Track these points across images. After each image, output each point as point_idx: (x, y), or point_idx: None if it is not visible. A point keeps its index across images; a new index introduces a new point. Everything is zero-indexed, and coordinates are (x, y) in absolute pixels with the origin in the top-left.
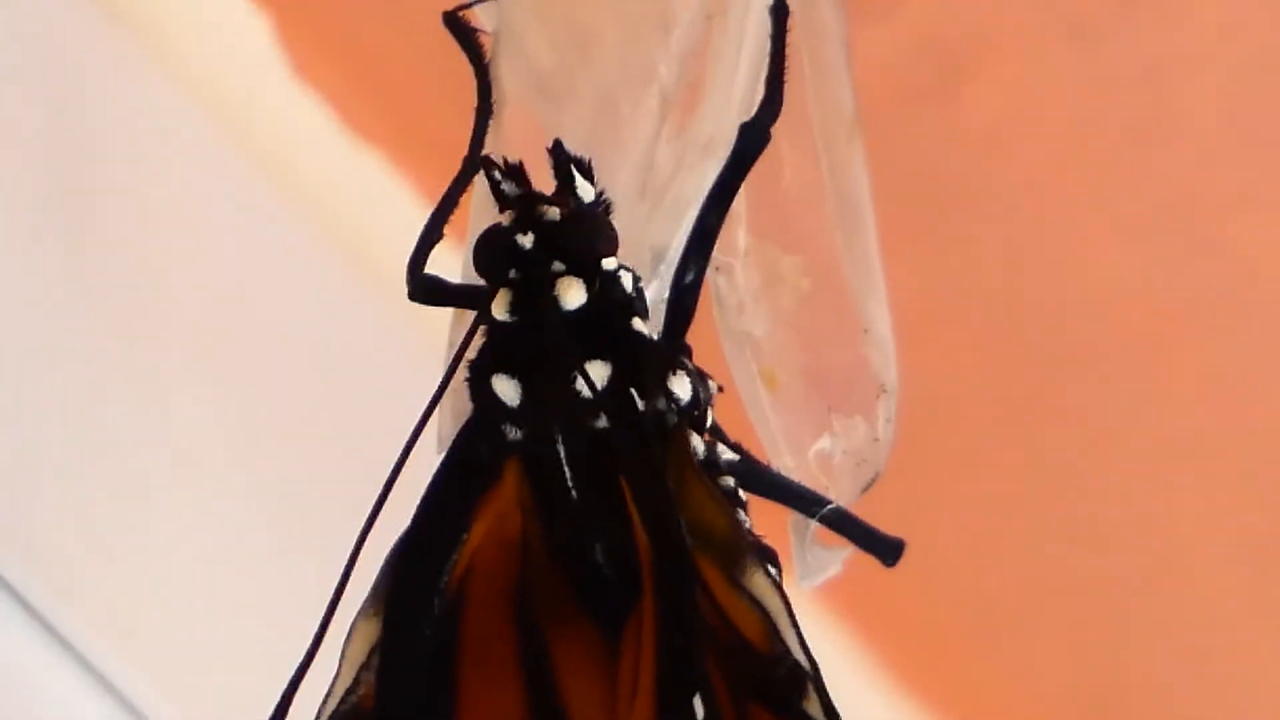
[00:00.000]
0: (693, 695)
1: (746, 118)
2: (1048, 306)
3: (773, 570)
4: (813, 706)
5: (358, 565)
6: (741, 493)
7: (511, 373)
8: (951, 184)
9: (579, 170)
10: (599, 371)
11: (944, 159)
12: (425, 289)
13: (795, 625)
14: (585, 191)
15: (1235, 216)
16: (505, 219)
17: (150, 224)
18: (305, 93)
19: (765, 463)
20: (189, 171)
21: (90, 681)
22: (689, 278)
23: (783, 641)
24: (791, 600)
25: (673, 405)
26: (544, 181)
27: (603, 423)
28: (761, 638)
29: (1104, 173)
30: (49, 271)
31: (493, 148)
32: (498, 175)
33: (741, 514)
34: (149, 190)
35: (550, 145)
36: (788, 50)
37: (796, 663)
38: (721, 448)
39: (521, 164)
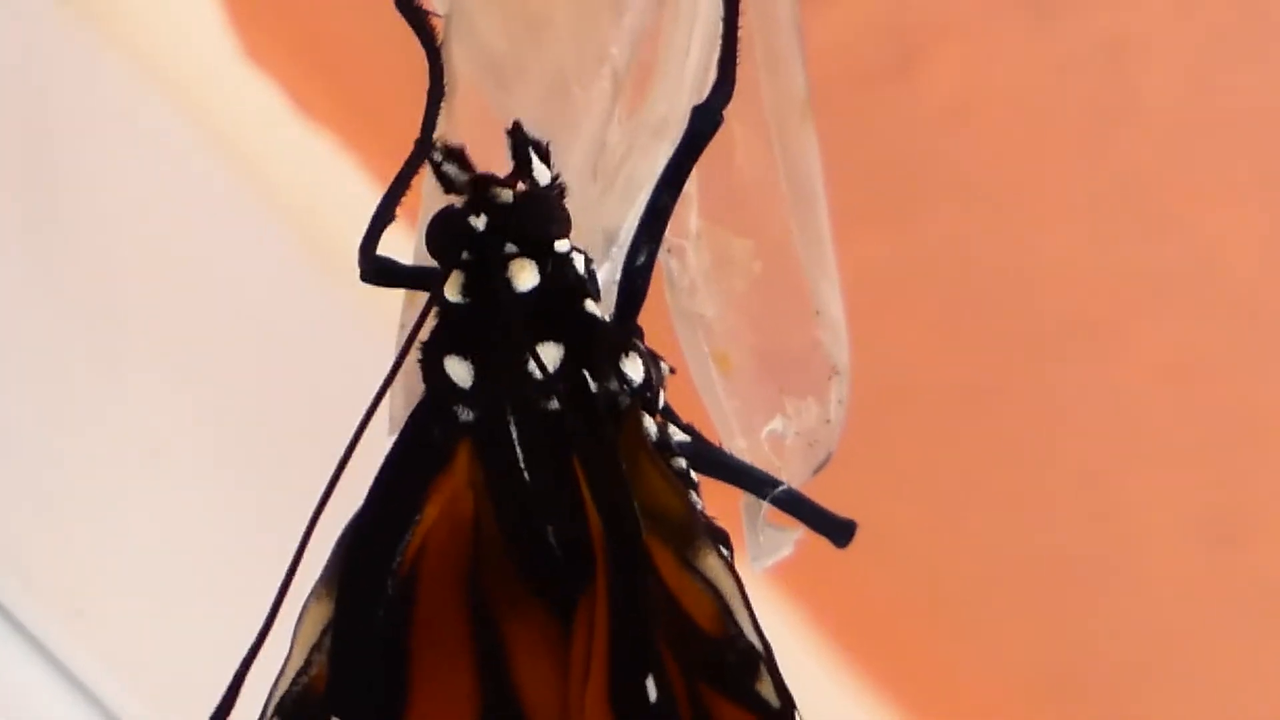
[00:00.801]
0: (646, 676)
1: (699, 100)
2: (1003, 287)
3: (725, 552)
4: (765, 688)
5: (311, 547)
6: (694, 474)
7: (464, 354)
8: (907, 165)
9: (536, 153)
10: (551, 353)
11: (899, 140)
12: (377, 271)
13: (748, 607)
14: (541, 174)
15: (1193, 195)
16: (458, 201)
17: (105, 208)
18: (257, 76)
19: (717, 444)
20: (143, 155)
21: (41, 661)
22: (641, 259)
23: (735, 623)
24: (744, 582)
25: (625, 387)
26: (495, 164)
27: (555, 404)
28: (714, 619)
29: (1061, 153)
30: (5, 255)
31: (445, 130)
32: (439, 158)
33: (694, 495)
34: (103, 173)
35: (509, 127)
36: (740, 32)
37: (749, 644)
38: (673, 429)
39: (463, 148)
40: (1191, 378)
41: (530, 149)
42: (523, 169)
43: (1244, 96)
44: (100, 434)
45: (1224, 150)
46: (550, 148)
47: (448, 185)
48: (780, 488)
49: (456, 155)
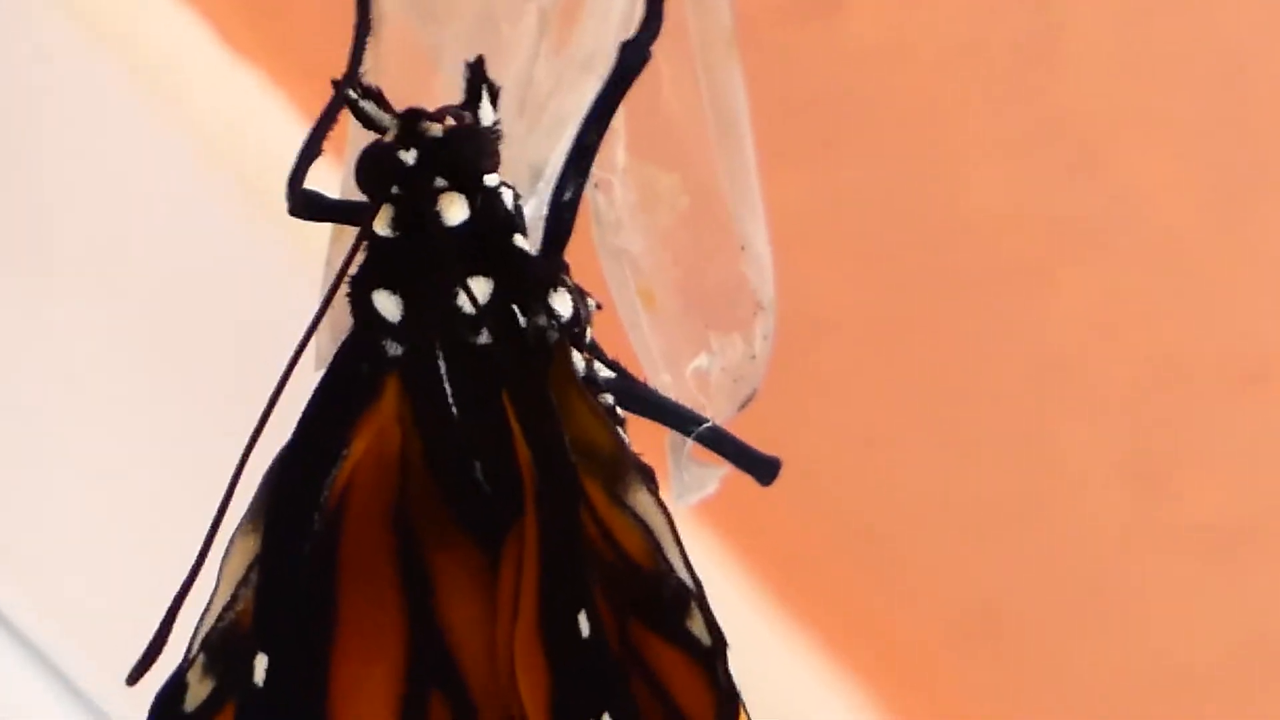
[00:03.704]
0: (578, 612)
1: (626, 36)
2: (929, 224)
3: (654, 488)
4: (696, 625)
5: (241, 484)
6: (620, 411)
7: (393, 288)
8: (833, 101)
9: (489, 94)
10: (481, 287)
11: (826, 77)
12: (305, 204)
13: (679, 543)
14: (486, 114)
15: (1117, 136)
16: (389, 135)
17: (31, 143)
18: (184, 10)
19: (643, 380)
20: (67, 88)
21: None
22: (567, 195)
23: (666, 560)
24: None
25: (554, 322)
26: (421, 100)
27: (484, 339)
28: (645, 556)
29: (987, 91)
30: None
31: (371, 65)
32: (355, 96)
33: (621, 432)
34: (29, 111)
35: (469, 62)
36: None
37: (680, 581)
38: (600, 365)
39: (379, 89)
40: (1118, 321)
41: (484, 87)
42: (472, 105)
43: (1170, 38)
44: (27, 374)
45: (1150, 92)
46: None
47: (365, 122)
48: (705, 424)
49: (374, 94)
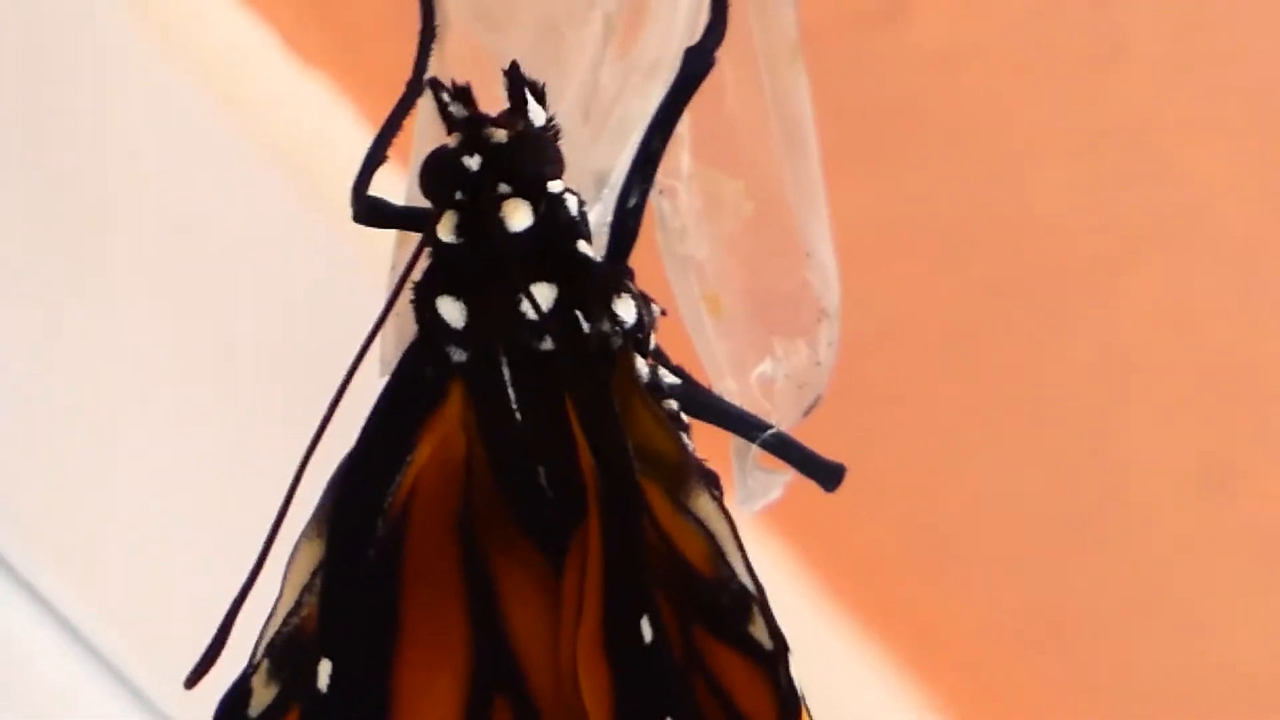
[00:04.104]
0: (640, 617)
1: (691, 42)
2: (996, 230)
3: (717, 494)
4: (758, 629)
5: (302, 488)
6: (684, 417)
7: (457, 294)
8: (899, 108)
9: (533, 94)
10: (544, 293)
11: (892, 83)
12: (369, 211)
13: (741, 549)
14: (536, 115)
15: (1184, 140)
16: (452, 141)
17: (99, 148)
18: (250, 16)
19: (707, 387)
20: (136, 96)
21: (35, 607)
22: (632, 201)
23: (728, 565)
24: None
25: (617, 328)
26: (486, 105)
27: (548, 345)
28: (707, 561)
29: (1053, 96)
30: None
31: (436, 71)
32: (445, 97)
33: (685, 438)
34: (97, 116)
35: (506, 67)
36: None
37: (742, 586)
38: (664, 371)
39: (469, 86)
40: (1185, 322)
41: (526, 89)
42: (519, 109)
43: (1232, 36)
44: (93, 376)
45: (1214, 91)
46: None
47: (453, 124)
48: (769, 431)
49: (464, 94)
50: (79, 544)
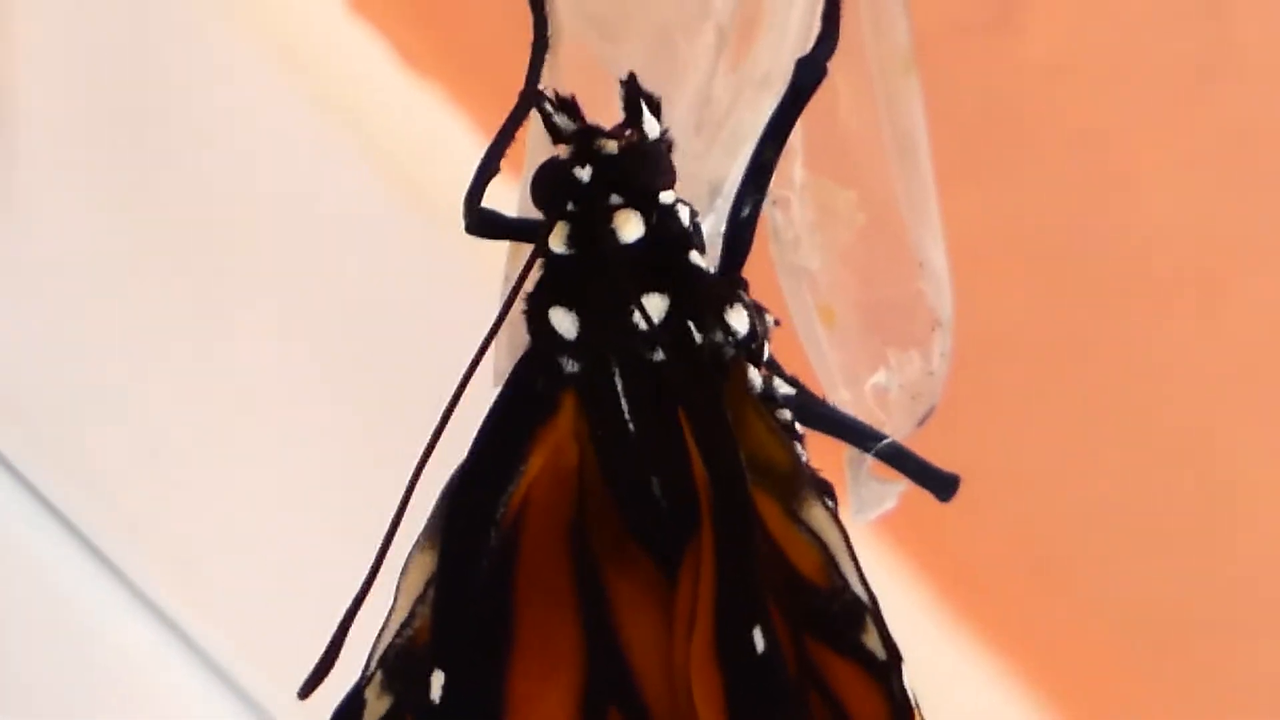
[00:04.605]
0: (753, 628)
1: (803, 52)
2: (1106, 239)
3: (830, 504)
4: (871, 640)
5: (415, 498)
6: (798, 427)
7: (569, 305)
8: (1010, 117)
9: (648, 106)
10: (656, 304)
11: (1003, 92)
12: (482, 222)
13: (854, 559)
14: (651, 127)
15: None
16: (563, 152)
17: (212, 158)
18: (362, 28)
19: (821, 397)
20: (248, 110)
21: (150, 617)
22: (745, 212)
23: (841, 575)
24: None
25: (730, 338)
26: (597, 117)
27: (660, 355)
28: (820, 571)
29: (1164, 106)
30: (114, 206)
31: (549, 81)
32: (550, 109)
33: (798, 448)
34: (210, 126)
35: (624, 78)
36: None
37: (855, 596)
38: (778, 381)
39: (574, 98)
40: None
41: (642, 101)
42: (634, 120)
43: None
44: (206, 385)
45: None
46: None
47: (557, 136)
48: (884, 441)
49: (569, 106)
50: (193, 554)
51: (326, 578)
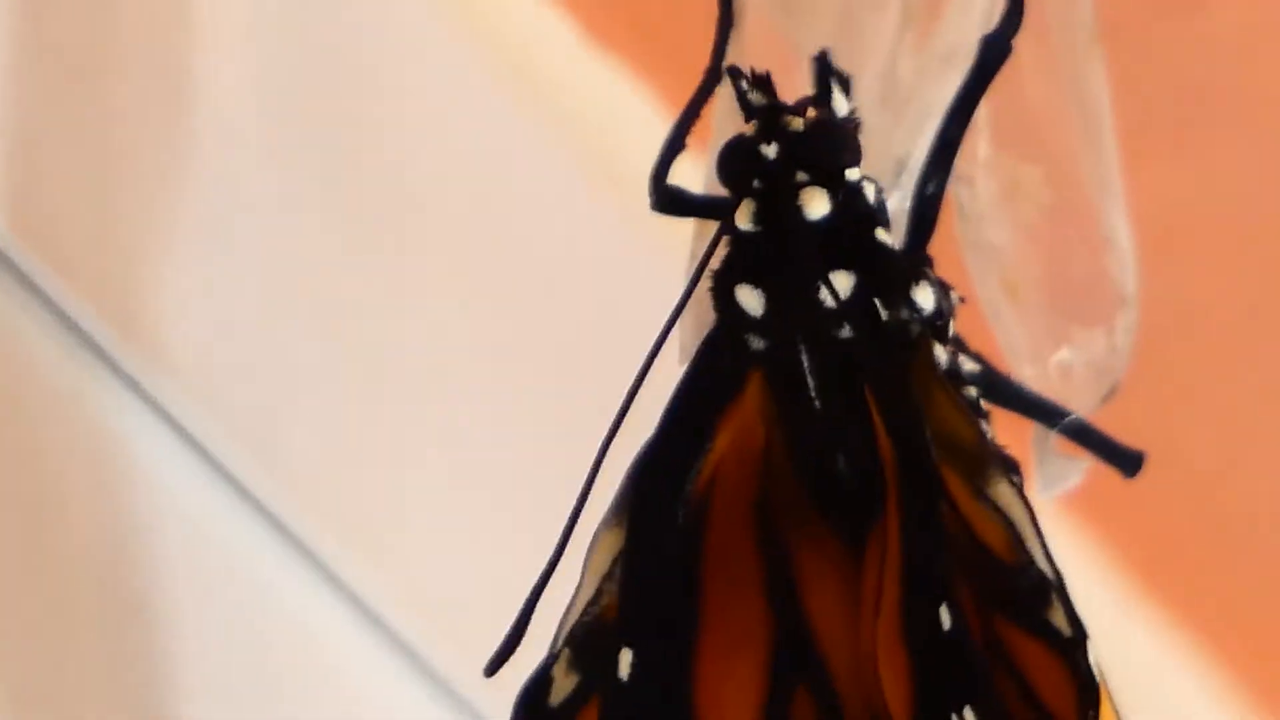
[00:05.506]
0: (939, 605)
1: (988, 29)
2: None
3: (1016, 480)
4: (1057, 616)
5: (602, 475)
6: (983, 403)
7: (755, 283)
8: (1197, 93)
9: (838, 83)
10: (843, 282)
11: (1190, 68)
12: (668, 200)
13: (1040, 535)
14: (840, 105)
15: None
16: (750, 129)
17: (400, 135)
18: (550, 5)
19: (1006, 373)
20: (436, 85)
21: (336, 595)
22: (931, 189)
23: (1027, 551)
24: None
25: (916, 315)
26: (782, 93)
27: (847, 333)
28: (1006, 547)
29: None
30: (303, 183)
31: (733, 57)
32: (744, 85)
33: (984, 425)
34: (399, 102)
35: (812, 55)
36: None
37: (1041, 573)
38: (963, 358)
39: (769, 74)
40: None
41: (833, 79)
42: (824, 97)
43: None
44: (392, 368)
45: None
46: None
47: (750, 112)
48: (1068, 417)
49: (763, 82)
50: (380, 532)
51: (514, 557)
